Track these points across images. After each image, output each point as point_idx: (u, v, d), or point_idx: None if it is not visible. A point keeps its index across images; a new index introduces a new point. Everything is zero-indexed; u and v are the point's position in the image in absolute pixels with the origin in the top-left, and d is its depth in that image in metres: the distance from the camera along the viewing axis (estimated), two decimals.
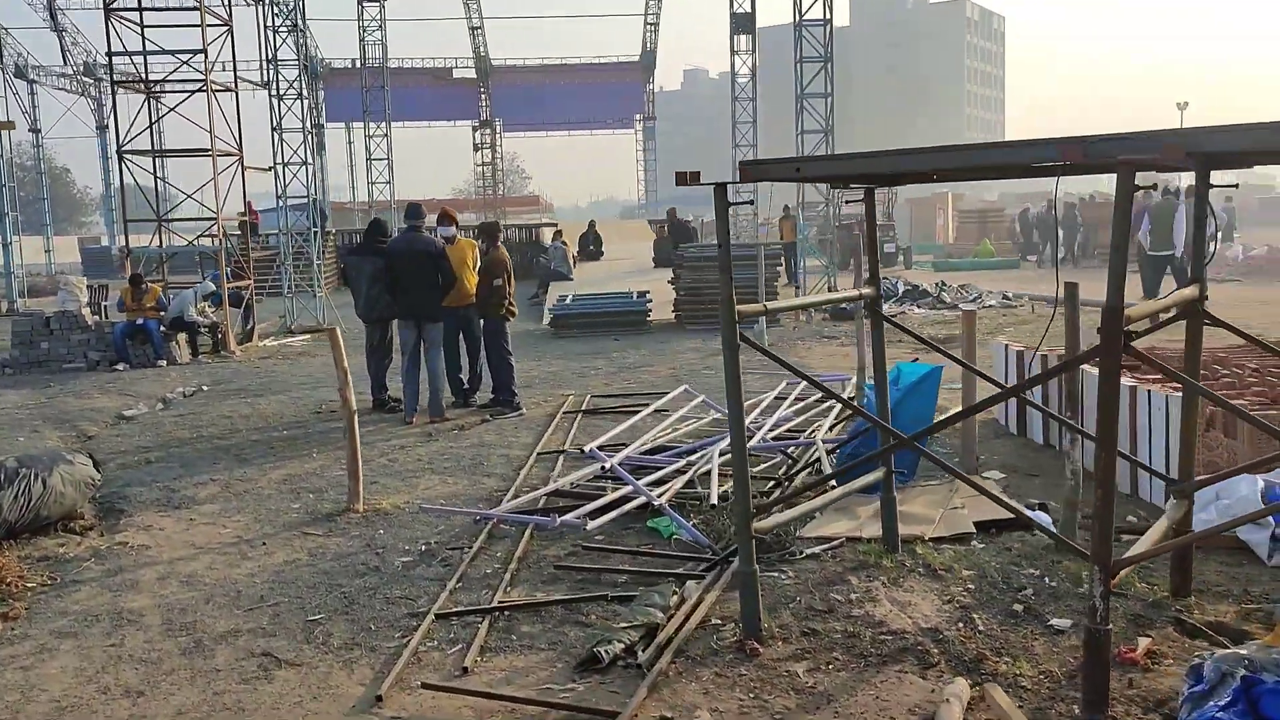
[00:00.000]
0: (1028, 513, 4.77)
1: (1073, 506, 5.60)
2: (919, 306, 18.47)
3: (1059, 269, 25.08)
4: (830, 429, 8.40)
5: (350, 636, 4.87)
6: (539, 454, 8.29)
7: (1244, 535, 5.45)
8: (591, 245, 25.69)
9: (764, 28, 30.81)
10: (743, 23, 25.47)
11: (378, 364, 10.50)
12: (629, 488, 6.48)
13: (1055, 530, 5.59)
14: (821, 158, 4.20)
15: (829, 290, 19.86)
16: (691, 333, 16.64)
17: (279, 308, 19.83)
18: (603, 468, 6.61)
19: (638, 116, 56.55)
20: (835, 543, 5.81)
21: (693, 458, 7.34)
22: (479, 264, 10.52)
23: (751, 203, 4.79)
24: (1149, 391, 6.50)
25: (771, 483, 7.06)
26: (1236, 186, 4.66)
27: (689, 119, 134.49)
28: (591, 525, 5.82)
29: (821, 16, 19.46)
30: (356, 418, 7.08)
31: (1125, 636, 4.45)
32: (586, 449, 6.97)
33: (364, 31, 32.16)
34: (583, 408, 10.22)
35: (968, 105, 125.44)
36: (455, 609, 5.09)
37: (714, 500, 5.99)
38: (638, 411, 9.90)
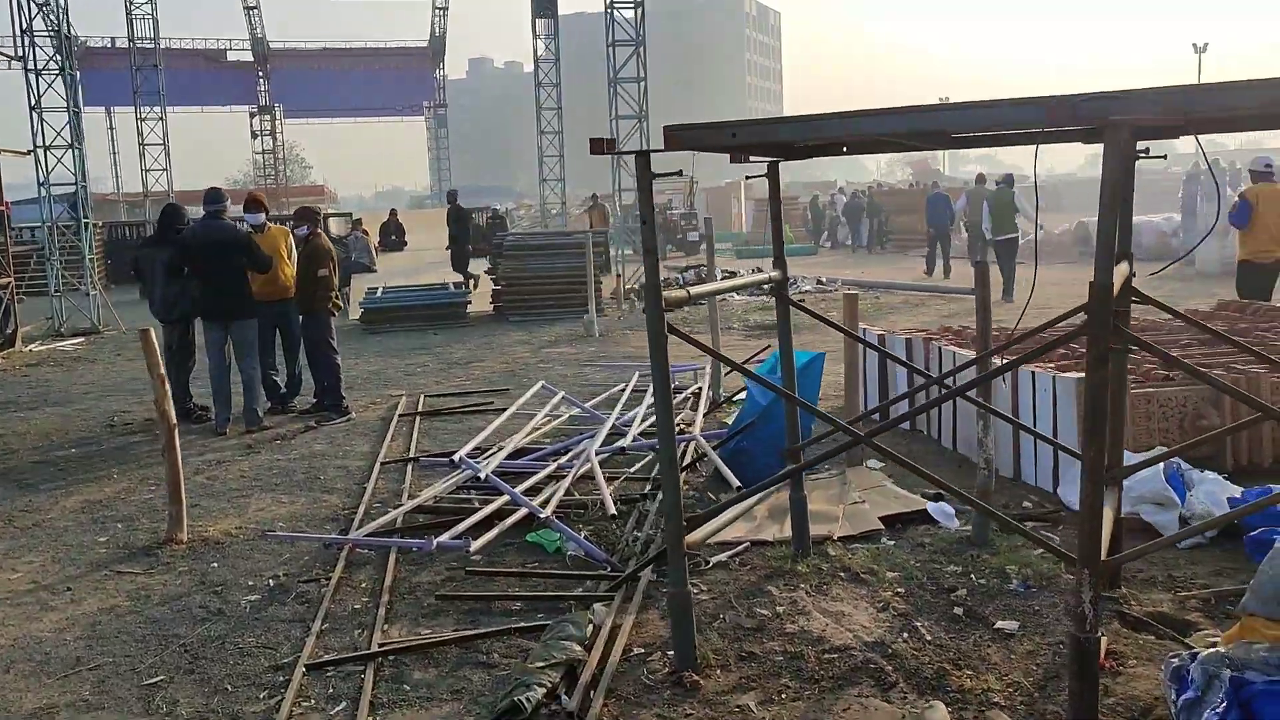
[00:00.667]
0: (1006, 517, 4.43)
1: (986, 498, 5.35)
2: (738, 293, 18.40)
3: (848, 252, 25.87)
4: (697, 423, 7.97)
5: (203, 703, 4.01)
6: (383, 464, 7.47)
7: (1150, 518, 5.34)
8: (394, 235, 24.47)
9: (561, 15, 30.27)
10: (544, 6, 24.86)
11: (179, 368, 9.32)
12: (503, 499, 5.81)
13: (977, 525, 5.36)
14: (764, 121, 3.67)
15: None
16: (515, 324, 15.96)
17: (45, 308, 17.79)
18: (477, 478, 5.90)
19: (427, 104, 54.88)
20: (740, 548, 5.35)
21: (564, 460, 6.74)
22: (294, 253, 9.52)
23: (680, 173, 4.24)
24: (1034, 373, 6.38)
25: (649, 484, 6.55)
26: (1165, 157, 4.47)
27: (476, 109, 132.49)
28: (475, 546, 5.13)
29: None
30: (165, 431, 6.07)
31: (1069, 633, 4.18)
32: (457, 458, 6.24)
33: (131, 4, 29.50)
34: (419, 409, 9.39)
35: (750, 98, 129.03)
36: (328, 657, 4.31)
37: (613, 510, 5.41)
38: (481, 411, 9.20)
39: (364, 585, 5.15)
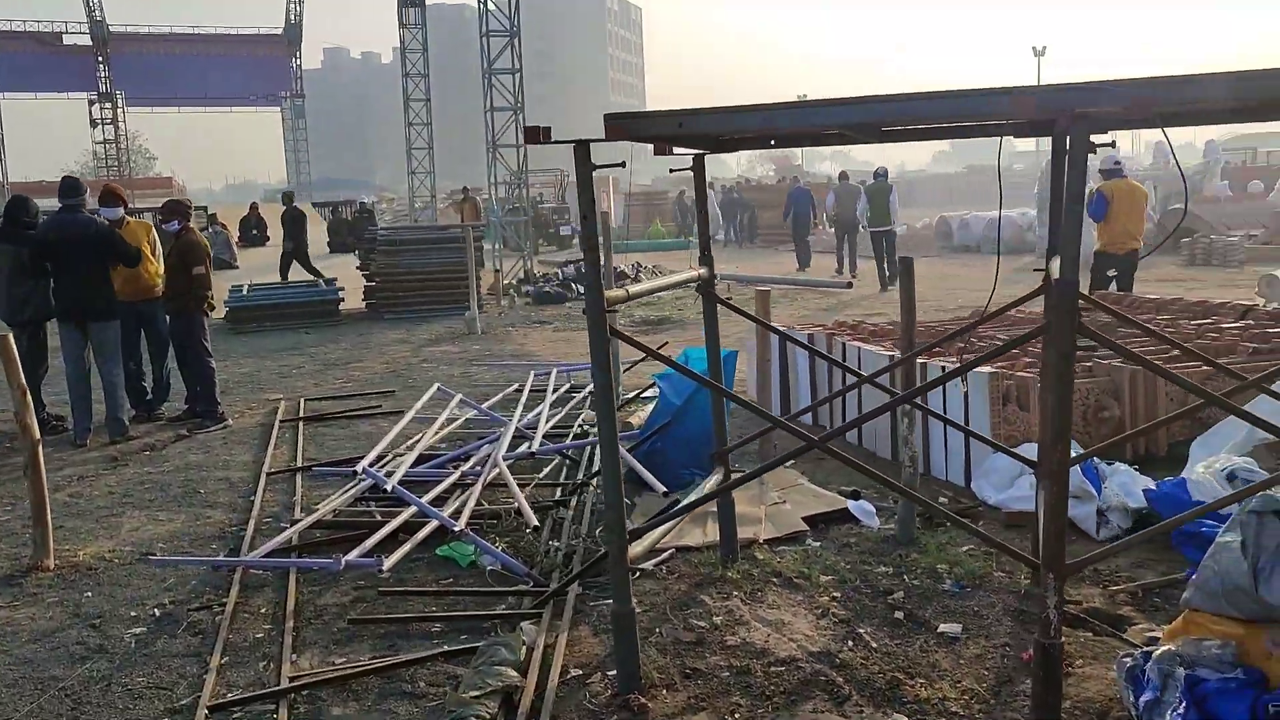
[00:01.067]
0: (984, 533, 4.34)
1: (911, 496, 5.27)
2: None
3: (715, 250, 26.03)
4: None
5: None
6: (268, 474, 6.99)
7: (1068, 512, 5.36)
8: (255, 230, 23.41)
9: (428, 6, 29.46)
10: None
11: (30, 375, 8.54)
12: (409, 511, 5.46)
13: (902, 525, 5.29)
14: (718, 110, 3.45)
15: (525, 272, 19.24)
16: (391, 321, 15.40)
17: None
18: (378, 489, 5.53)
19: (284, 94, 53.00)
20: (666, 555, 5.15)
21: (468, 466, 6.42)
22: (158, 249, 8.89)
23: (623, 164, 4.00)
24: (943, 367, 6.37)
25: (560, 489, 6.30)
26: (1114, 144, 4.46)
27: (332, 100, 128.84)
28: (388, 565, 4.78)
29: None
30: (20, 445, 5.51)
31: (1019, 634, 4.13)
32: (360, 468, 5.84)
33: None
34: (301, 414, 8.88)
35: (613, 93, 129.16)
36: (233, 696, 3.92)
37: (534, 522, 5.13)
38: (369, 415, 8.77)
39: (264, 611, 4.75)
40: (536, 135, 3.57)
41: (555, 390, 8.72)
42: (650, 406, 8.40)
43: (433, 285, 15.88)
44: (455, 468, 6.72)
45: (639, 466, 5.91)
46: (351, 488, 6.21)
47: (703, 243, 4.86)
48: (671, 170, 4.81)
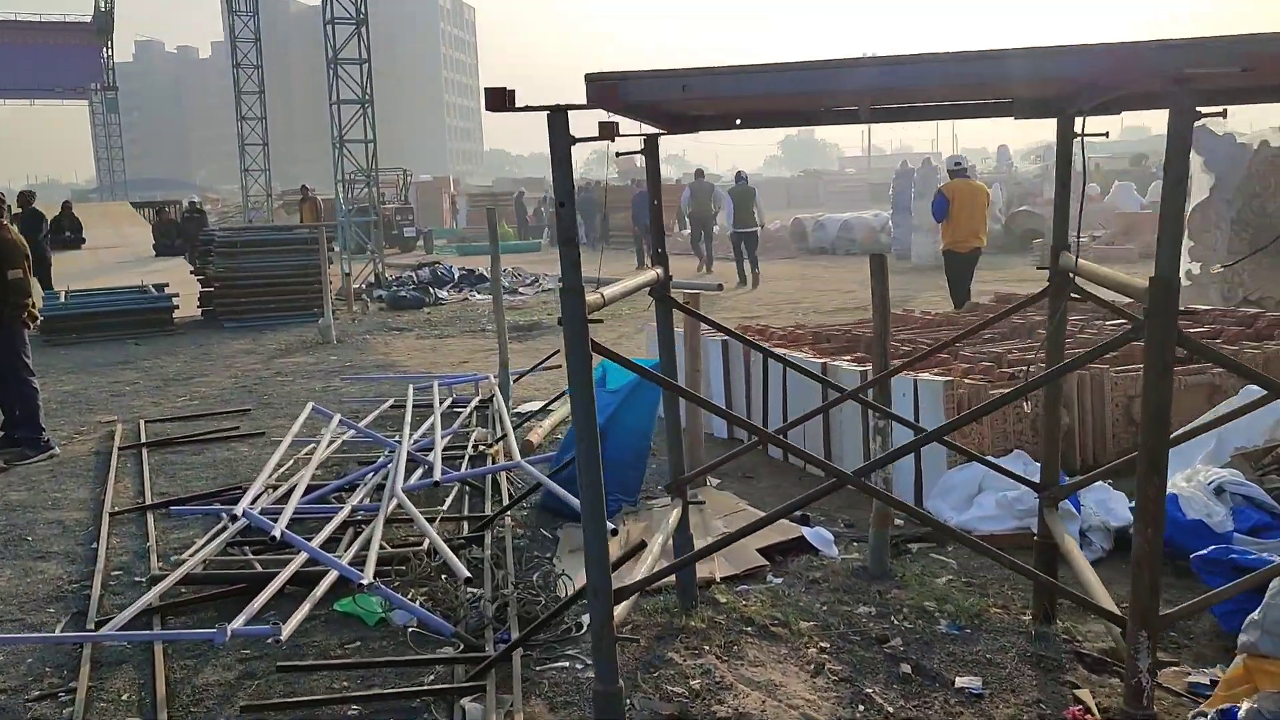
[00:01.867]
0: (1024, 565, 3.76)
1: (885, 524, 4.73)
2: (479, 292, 17.33)
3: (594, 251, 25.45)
4: (493, 444, 6.94)
5: None
6: (112, 515, 5.92)
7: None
8: (68, 231, 21.31)
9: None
10: None
11: None
12: (299, 559, 4.57)
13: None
14: (727, 70, 2.76)
15: (375, 276, 18.12)
16: (233, 331, 14.09)
17: None
18: (271, 537, 4.59)
19: (93, 86, 49.39)
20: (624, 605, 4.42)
21: (358, 499, 5.54)
22: None
23: (612, 138, 3.26)
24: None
25: (468, 524, 5.50)
26: (1106, 134, 4.01)
27: (145, 95, 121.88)
28: (286, 632, 3.88)
29: None
30: None
31: (1047, 686, 3.61)
32: (239, 512, 4.86)
33: None
34: (142, 439, 7.72)
35: (447, 92, 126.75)
36: None
37: (465, 573, 4.31)
38: (225, 439, 7.71)
39: (126, 697, 3.80)
40: (501, 100, 2.81)
41: (440, 406, 7.85)
42: (551, 418, 7.66)
43: (279, 290, 14.63)
44: (337, 499, 5.84)
45: (568, 495, 5.17)
46: (220, 530, 5.26)
47: (657, 239, 4.16)
48: (619, 154, 4.09)
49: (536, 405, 8.47)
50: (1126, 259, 19.38)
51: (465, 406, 8.20)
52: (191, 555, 4.87)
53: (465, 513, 5.71)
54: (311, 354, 11.97)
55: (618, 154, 4.12)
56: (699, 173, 25.15)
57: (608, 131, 3.00)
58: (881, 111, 3.71)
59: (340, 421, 7.06)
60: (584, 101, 2.86)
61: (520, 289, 17.71)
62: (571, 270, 2.97)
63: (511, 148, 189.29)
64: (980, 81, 2.83)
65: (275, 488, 5.85)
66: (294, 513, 5.26)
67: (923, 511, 3.10)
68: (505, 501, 5.77)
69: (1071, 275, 3.95)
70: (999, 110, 3.83)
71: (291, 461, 6.59)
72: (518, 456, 5.88)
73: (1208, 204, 9.27)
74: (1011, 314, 4.53)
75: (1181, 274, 9.01)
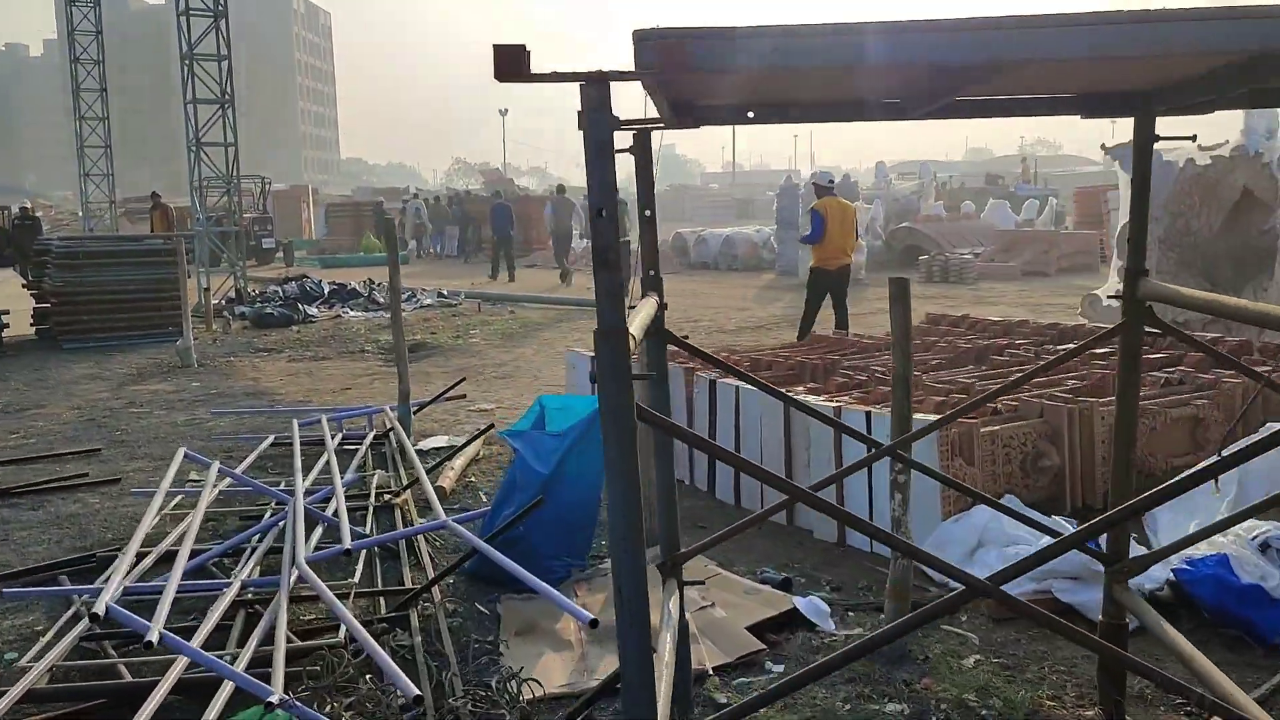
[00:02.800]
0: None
1: (902, 596, 4.01)
2: (352, 309, 16.10)
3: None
4: (400, 493, 5.99)
5: None
6: None
7: (1068, 597, 4.30)
8: None
9: None
10: None
11: None
12: (181, 665, 3.55)
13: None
14: (833, 30, 1.96)
15: (236, 291, 16.71)
16: (75, 352, 12.56)
17: None
18: (146, 642, 3.54)
19: None
20: (579, 707, 3.57)
21: (247, 571, 4.52)
22: None
23: (662, 125, 2.42)
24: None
25: (381, 599, 4.55)
26: (1194, 137, 3.40)
27: None
28: None
29: None
30: None
31: None
32: (100, 608, 3.77)
33: None
34: None
35: (303, 99, 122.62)
36: None
37: (414, 691, 3.36)
38: (72, 488, 6.51)
39: None
40: (516, 63, 1.95)
41: (332, 444, 6.82)
42: (461, 458, 6.72)
43: (129, 307, 13.16)
44: (216, 565, 4.81)
45: (510, 564, 4.27)
46: (71, 617, 4.17)
47: (651, 256, 3.34)
48: (617, 151, 3.26)
49: (439, 440, 7.52)
50: (1010, 276, 19.52)
51: (359, 442, 7.19)
52: (33, 661, 3.78)
53: (381, 584, 4.75)
54: (169, 380, 10.64)
55: (617, 151, 3.30)
56: (560, 188, 25.02)
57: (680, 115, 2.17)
58: (951, 106, 2.98)
59: (219, 470, 5.94)
60: (631, 69, 2.03)
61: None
62: (610, 303, 2.12)
63: (369, 156, 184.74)
64: (1120, 53, 2.11)
65: (142, 555, 4.76)
66: (158, 588, 4.20)
67: (983, 583, 2.40)
68: (429, 570, 4.84)
69: (1148, 305, 3.32)
70: (1064, 107, 3.16)
71: (156, 518, 5.48)
72: (439, 511, 4.94)
73: None
74: (1087, 349, 3.87)
75: (1110, 294, 8.56)
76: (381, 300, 16.68)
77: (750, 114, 3.25)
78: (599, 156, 2.06)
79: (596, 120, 2.02)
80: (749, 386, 5.89)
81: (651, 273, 3.37)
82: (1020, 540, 4.67)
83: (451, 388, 7.83)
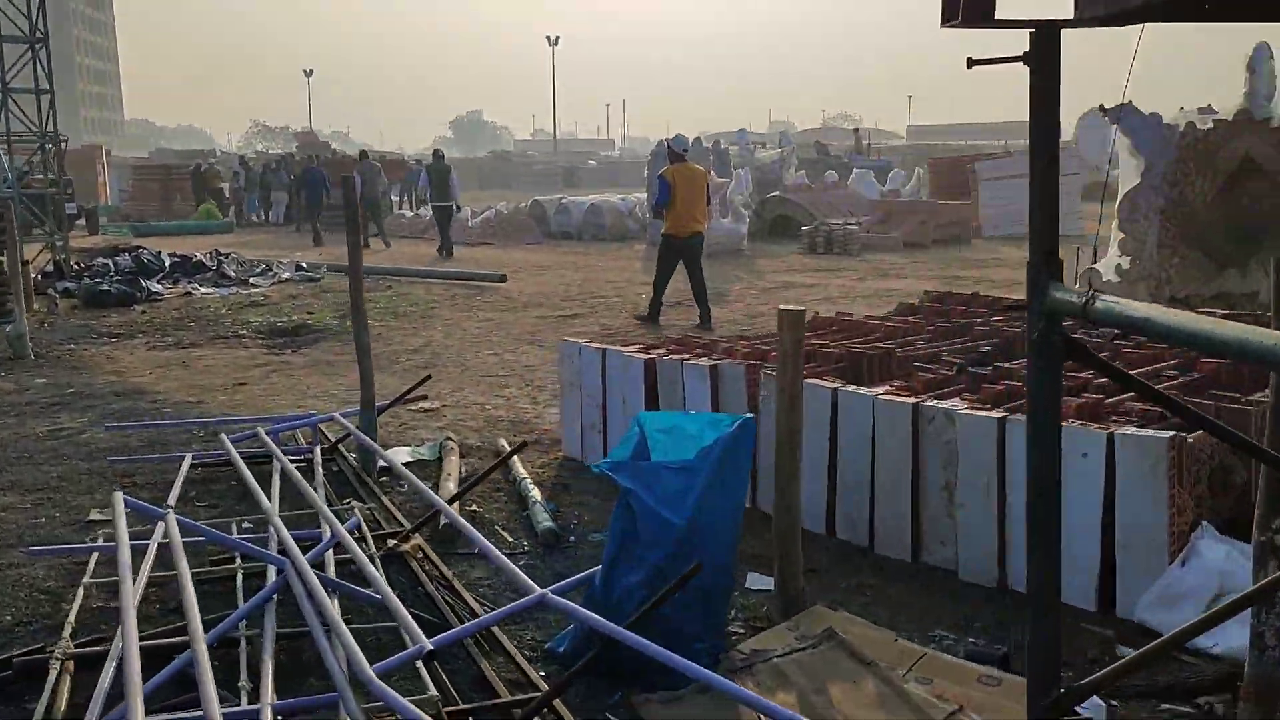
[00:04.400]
0: None
1: (1268, 699, 2.98)
2: (201, 285, 13.99)
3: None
4: (408, 534, 4.58)
5: None
6: None
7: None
8: None
9: None
10: None
11: None
12: None
13: None
14: None
15: (56, 264, 14.33)
16: None
17: None
18: None
19: None
20: None
21: (270, 692, 3.09)
22: None
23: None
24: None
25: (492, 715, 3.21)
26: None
27: None
28: None
29: None
30: None
31: None
32: None
33: None
34: None
35: (82, 80, 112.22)
36: None
37: None
38: None
39: None
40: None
41: (286, 468, 5.28)
42: (450, 479, 5.34)
43: None
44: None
45: (647, 645, 3.02)
46: None
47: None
48: (973, 62, 2.06)
49: (402, 454, 6.06)
50: (893, 247, 19.10)
51: (300, 458, 5.67)
52: None
53: (447, 680, 3.39)
54: (7, 376, 8.60)
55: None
56: (363, 154, 24.38)
57: None
58: None
59: (147, 512, 4.31)
60: None
61: (252, 279, 14.55)
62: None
63: (156, 118, 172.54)
64: None
65: (88, 657, 3.23)
66: None
67: None
68: (521, 662, 3.51)
69: None
70: None
71: (81, 592, 3.89)
72: (515, 573, 3.59)
73: (1137, 191, 8.38)
74: None
75: (1111, 269, 7.83)
76: (233, 275, 14.63)
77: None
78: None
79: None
80: (851, 389, 4.79)
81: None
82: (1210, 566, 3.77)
83: (415, 387, 6.34)
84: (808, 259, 17.98)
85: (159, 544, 4.14)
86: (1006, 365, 5.39)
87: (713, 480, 3.56)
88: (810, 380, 4.78)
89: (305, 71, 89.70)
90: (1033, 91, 2.07)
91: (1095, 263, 8.56)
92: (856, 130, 47.55)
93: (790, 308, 3.77)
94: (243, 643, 3.55)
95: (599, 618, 3.28)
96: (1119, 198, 8.57)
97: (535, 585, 3.51)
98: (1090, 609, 3.98)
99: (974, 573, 4.31)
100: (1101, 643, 3.75)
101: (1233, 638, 3.61)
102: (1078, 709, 3.21)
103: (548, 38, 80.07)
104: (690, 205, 10.72)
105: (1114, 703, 3.28)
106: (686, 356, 5.56)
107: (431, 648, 3.07)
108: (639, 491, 3.56)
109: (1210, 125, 8.35)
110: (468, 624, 3.32)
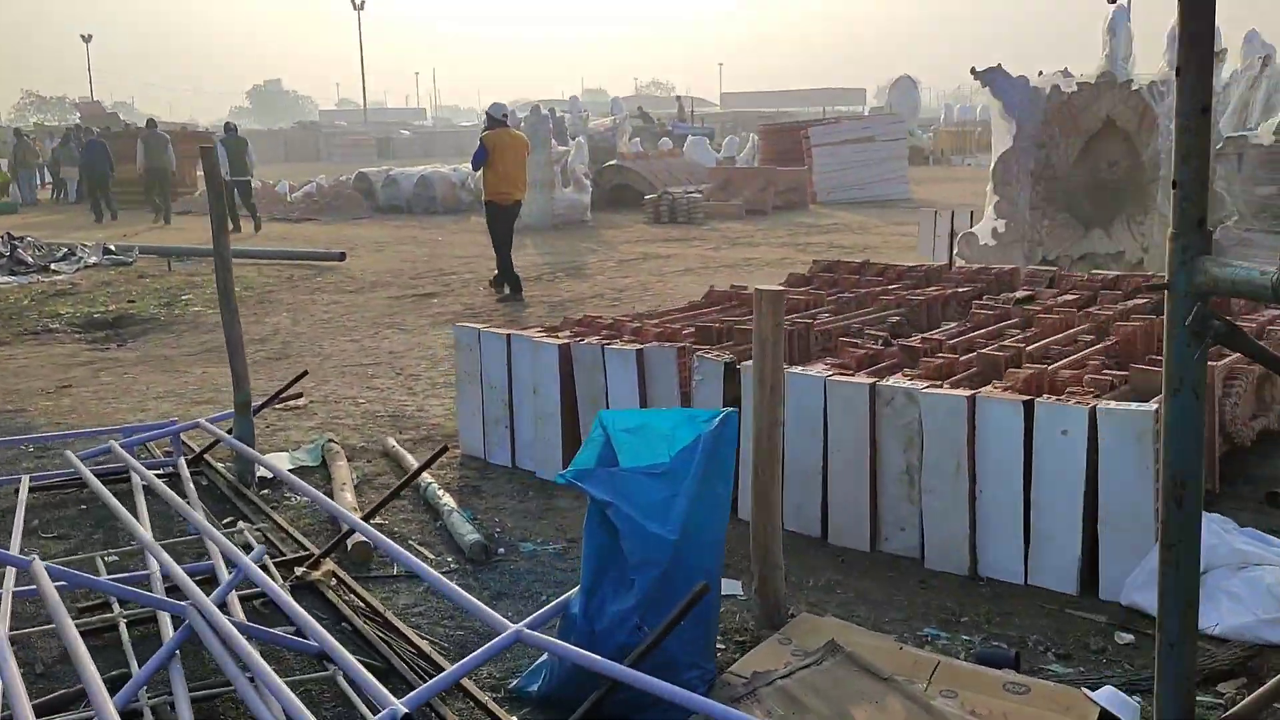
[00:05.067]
0: None
1: None
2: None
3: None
4: (319, 560, 3.99)
5: None
6: None
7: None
8: None
9: None
10: None
11: None
12: None
13: None
14: None
15: None
16: None
17: None
18: None
19: None
20: None
21: None
22: None
23: None
24: (1029, 403, 3.91)
25: None
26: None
27: None
28: None
29: None
30: None
31: None
32: None
33: None
34: None
35: None
36: None
37: None
38: None
39: None
40: None
41: (153, 484, 4.55)
42: (346, 490, 4.75)
43: None
44: None
45: (665, 685, 2.62)
46: None
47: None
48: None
49: (281, 460, 5.36)
50: (735, 215, 19.05)
51: (162, 472, 4.93)
52: None
53: None
54: None
55: None
56: (150, 123, 22.92)
57: None
58: None
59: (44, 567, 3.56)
60: None
61: (53, 264, 13.13)
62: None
63: None
64: None
65: None
66: None
67: None
68: (488, 705, 3.01)
69: None
70: None
71: None
72: (470, 602, 3.09)
73: (1010, 154, 8.39)
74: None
75: (987, 233, 7.85)
76: (31, 261, 13.15)
77: None
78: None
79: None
80: (799, 370, 4.46)
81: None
82: (1259, 559, 3.65)
83: (290, 384, 5.61)
84: (655, 229, 17.70)
85: (11, 594, 3.43)
86: (934, 336, 5.22)
87: (698, 485, 3.14)
88: (746, 363, 4.42)
89: (84, 37, 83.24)
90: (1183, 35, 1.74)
91: (972, 226, 8.56)
92: (679, 98, 47.64)
93: (769, 287, 3.38)
94: (147, 714, 2.93)
95: (597, 656, 2.82)
96: (992, 160, 8.58)
97: (505, 621, 3.02)
98: (1072, 592, 3.79)
99: (942, 560, 4.06)
100: (1098, 630, 3.55)
101: (1231, 616, 3.50)
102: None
103: (352, 2, 76.73)
104: (511, 171, 10.70)
105: (1137, 699, 3.07)
106: (603, 340, 5.10)
107: (407, 711, 2.56)
108: (618, 504, 3.11)
109: (1075, 89, 8.45)
110: (439, 677, 2.79)
